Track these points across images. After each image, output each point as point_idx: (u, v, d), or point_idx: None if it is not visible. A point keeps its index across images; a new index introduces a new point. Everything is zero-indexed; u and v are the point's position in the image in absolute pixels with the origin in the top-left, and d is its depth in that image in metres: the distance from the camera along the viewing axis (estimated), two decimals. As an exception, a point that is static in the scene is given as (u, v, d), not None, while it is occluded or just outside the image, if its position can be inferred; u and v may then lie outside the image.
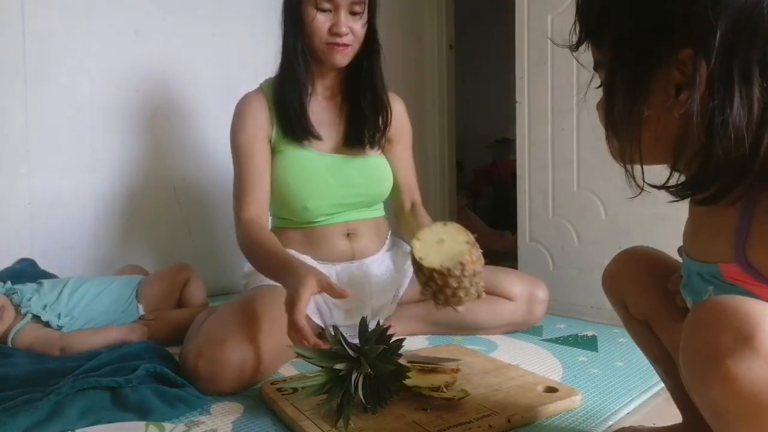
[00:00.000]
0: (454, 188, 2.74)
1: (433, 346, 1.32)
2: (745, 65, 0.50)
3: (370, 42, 1.33)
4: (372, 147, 1.39)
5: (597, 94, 0.62)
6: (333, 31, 1.25)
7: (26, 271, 1.52)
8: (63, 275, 1.53)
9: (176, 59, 1.91)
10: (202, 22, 1.97)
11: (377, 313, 1.37)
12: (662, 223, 1.44)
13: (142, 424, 0.88)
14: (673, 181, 0.58)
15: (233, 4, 2.05)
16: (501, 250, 2.73)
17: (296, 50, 1.28)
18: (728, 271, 0.57)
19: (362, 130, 1.36)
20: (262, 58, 2.09)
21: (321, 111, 1.37)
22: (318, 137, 1.32)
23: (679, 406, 0.79)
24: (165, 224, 1.92)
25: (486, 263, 1.25)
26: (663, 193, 0.59)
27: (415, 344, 1.33)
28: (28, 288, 1.32)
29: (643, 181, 0.58)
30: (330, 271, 1.35)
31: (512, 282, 1.40)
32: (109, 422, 0.88)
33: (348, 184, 1.35)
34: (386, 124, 1.38)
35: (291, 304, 0.98)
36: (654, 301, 0.74)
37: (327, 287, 1.02)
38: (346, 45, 1.26)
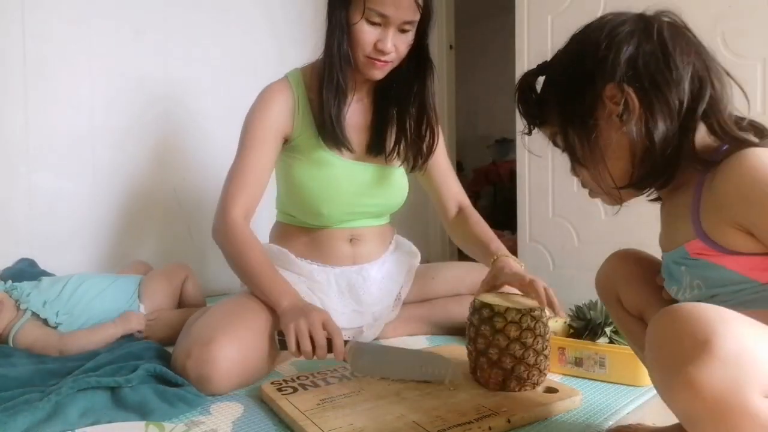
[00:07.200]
0: (454, 188, 2.73)
1: (434, 345, 1.32)
2: (654, 77, 0.65)
3: (422, 60, 1.26)
4: (413, 170, 1.36)
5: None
6: (378, 47, 1.17)
7: (26, 271, 1.52)
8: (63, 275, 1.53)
9: (176, 59, 1.91)
10: (202, 22, 1.97)
11: (378, 318, 1.35)
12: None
13: (142, 424, 0.88)
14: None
15: (233, 4, 2.05)
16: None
17: (340, 54, 1.20)
18: (692, 247, 0.65)
19: (383, 139, 1.31)
20: (262, 58, 2.11)
21: (349, 115, 1.30)
22: (350, 149, 1.28)
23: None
24: (165, 224, 1.92)
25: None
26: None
27: (416, 344, 1.33)
28: (27, 284, 1.31)
29: (620, 196, 0.73)
30: (329, 274, 1.33)
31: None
32: (109, 422, 0.88)
33: (364, 194, 1.32)
34: (431, 149, 1.33)
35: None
36: (646, 294, 0.80)
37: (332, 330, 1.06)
38: (386, 62, 1.20)
